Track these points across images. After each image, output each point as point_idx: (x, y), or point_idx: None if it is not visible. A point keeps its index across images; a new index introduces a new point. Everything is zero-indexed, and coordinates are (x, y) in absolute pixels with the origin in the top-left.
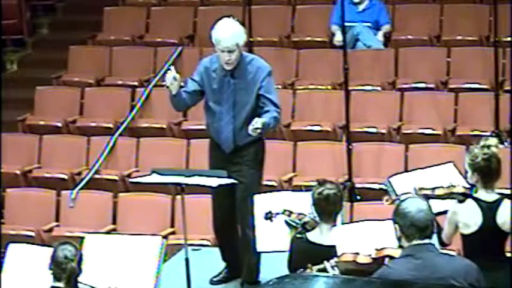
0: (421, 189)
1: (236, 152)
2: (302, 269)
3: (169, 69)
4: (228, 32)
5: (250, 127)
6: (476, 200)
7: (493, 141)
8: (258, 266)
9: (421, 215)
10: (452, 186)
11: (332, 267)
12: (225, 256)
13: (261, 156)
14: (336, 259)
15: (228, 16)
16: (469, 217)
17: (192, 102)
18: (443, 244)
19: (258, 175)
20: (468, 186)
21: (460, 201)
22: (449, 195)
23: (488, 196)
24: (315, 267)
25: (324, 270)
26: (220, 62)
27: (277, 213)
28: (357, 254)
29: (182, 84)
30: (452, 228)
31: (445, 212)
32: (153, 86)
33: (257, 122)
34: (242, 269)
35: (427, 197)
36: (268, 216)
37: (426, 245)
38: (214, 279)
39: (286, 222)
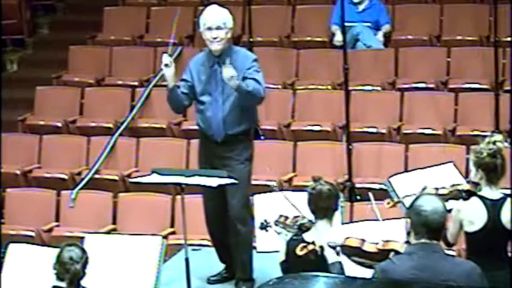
0: (423, 189)
1: (225, 146)
2: (306, 244)
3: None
4: (216, 10)
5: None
6: (481, 197)
7: (499, 137)
8: (251, 262)
9: (436, 217)
10: (455, 184)
11: (329, 245)
12: (221, 257)
13: (250, 150)
14: (337, 241)
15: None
16: (474, 214)
17: (189, 102)
18: (448, 244)
19: (247, 170)
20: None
21: (465, 199)
22: (453, 195)
23: (493, 194)
24: (318, 244)
25: (321, 248)
26: (208, 44)
27: (274, 222)
28: (363, 240)
29: (178, 84)
30: (457, 227)
31: (448, 211)
32: (153, 86)
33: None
34: (236, 261)
35: None
36: (264, 226)
37: (432, 245)
38: (212, 278)
39: (284, 229)
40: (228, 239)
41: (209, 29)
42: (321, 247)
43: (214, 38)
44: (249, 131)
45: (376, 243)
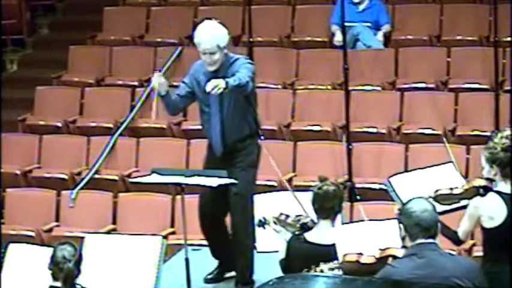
0: (437, 190)
1: (228, 153)
2: (307, 269)
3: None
4: (208, 34)
5: (207, 88)
6: (498, 192)
7: (509, 131)
8: (252, 266)
9: (426, 215)
10: (470, 181)
11: (330, 269)
12: (215, 253)
13: (254, 157)
14: (336, 261)
15: (210, 18)
16: (493, 210)
17: (184, 105)
18: (458, 242)
19: (249, 176)
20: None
21: (482, 195)
22: (468, 193)
23: (508, 188)
24: (318, 269)
25: (322, 272)
26: (204, 64)
27: (272, 219)
28: (361, 254)
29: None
30: (472, 223)
31: (457, 209)
32: None
33: (212, 83)
34: (235, 265)
35: (446, 199)
36: (261, 223)
37: (429, 244)
38: (208, 277)
39: (284, 227)
40: (222, 235)
41: (203, 53)
42: (322, 271)
43: (209, 62)
44: (250, 136)
45: (373, 255)
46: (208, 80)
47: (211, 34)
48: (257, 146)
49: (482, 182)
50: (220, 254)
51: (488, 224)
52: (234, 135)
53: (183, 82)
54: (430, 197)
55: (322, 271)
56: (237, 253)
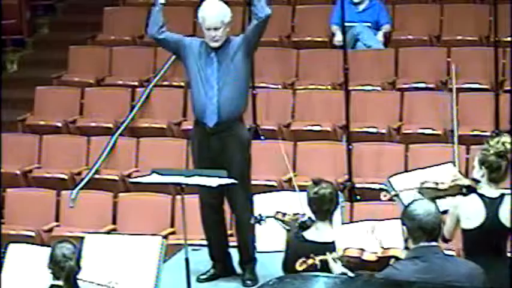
0: (423, 183)
1: (220, 136)
2: (305, 258)
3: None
4: (214, 10)
5: None
6: (480, 194)
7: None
8: (253, 243)
9: (429, 218)
10: (456, 179)
11: (334, 259)
12: (212, 253)
13: (247, 137)
14: (339, 253)
15: None
16: (471, 211)
17: (160, 33)
18: (444, 240)
19: (246, 157)
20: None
21: (464, 195)
22: (452, 191)
23: (491, 192)
24: (318, 258)
25: (326, 261)
26: (207, 40)
27: (268, 216)
28: (363, 250)
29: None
30: (453, 222)
31: (444, 212)
32: (153, 86)
33: None
34: (229, 267)
35: (431, 195)
36: (257, 220)
37: (432, 247)
38: (202, 277)
39: (282, 224)
40: (221, 235)
41: (207, 29)
42: (321, 261)
43: (213, 37)
44: (241, 115)
45: (375, 252)
46: (209, 54)
47: (216, 10)
48: (245, 127)
49: (467, 182)
50: (217, 256)
51: (465, 225)
52: (229, 112)
53: (179, 35)
54: (416, 188)
55: (322, 261)
56: (238, 230)
